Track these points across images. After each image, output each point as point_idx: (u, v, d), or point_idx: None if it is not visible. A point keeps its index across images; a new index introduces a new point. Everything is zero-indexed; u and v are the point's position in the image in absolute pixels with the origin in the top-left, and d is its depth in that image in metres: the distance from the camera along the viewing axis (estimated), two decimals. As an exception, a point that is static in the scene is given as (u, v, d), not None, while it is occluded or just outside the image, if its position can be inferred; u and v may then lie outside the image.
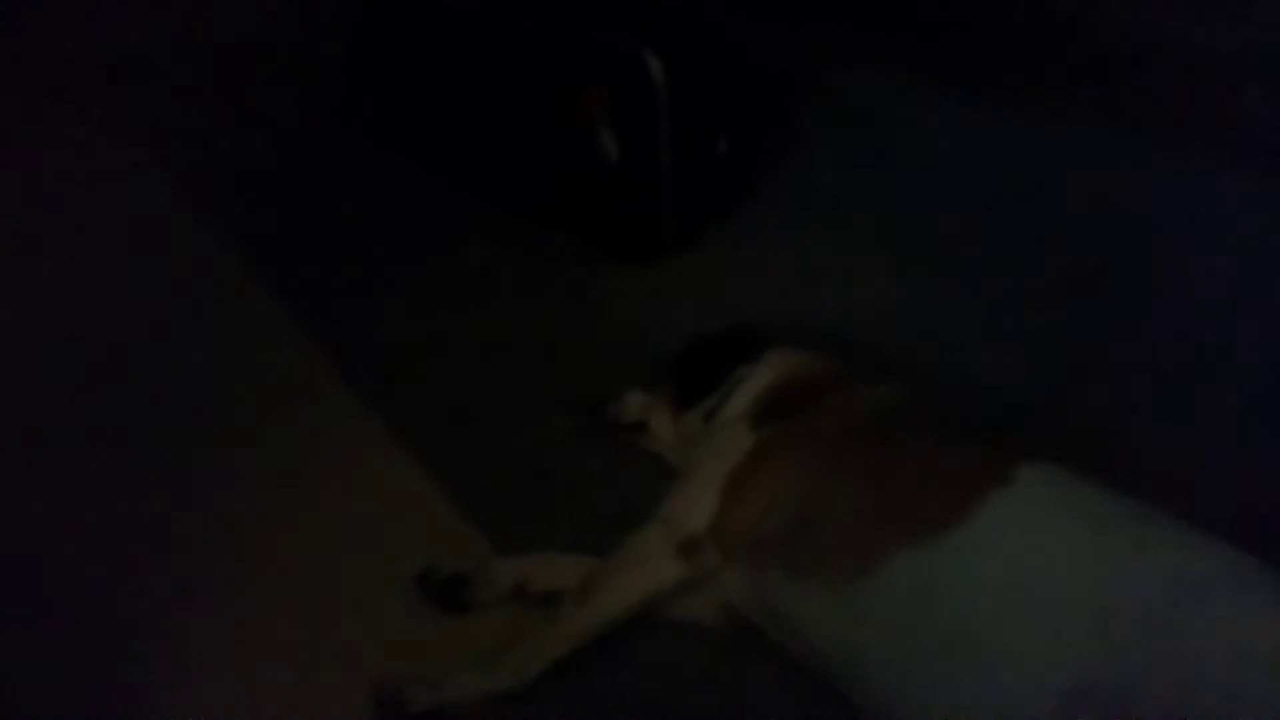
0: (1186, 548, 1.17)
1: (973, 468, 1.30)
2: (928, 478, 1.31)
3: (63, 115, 3.14)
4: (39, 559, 1.71)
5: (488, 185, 2.65)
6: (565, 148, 2.36)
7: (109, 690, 1.50)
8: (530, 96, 2.39)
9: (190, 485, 1.84)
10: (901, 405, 1.47)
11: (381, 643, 1.53)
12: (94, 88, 3.29)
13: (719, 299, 2.28)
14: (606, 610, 1.41)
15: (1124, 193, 2.51)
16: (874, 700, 1.26)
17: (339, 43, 3.03)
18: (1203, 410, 1.89)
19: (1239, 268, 2.25)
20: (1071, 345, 2.07)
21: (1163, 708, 1.03)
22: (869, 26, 3.29)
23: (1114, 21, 2.82)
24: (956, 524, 1.24)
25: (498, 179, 2.62)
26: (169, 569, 1.68)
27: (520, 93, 2.42)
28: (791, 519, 1.36)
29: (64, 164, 2.93)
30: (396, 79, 2.81)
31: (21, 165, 2.92)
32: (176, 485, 1.84)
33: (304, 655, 1.52)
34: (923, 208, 2.54)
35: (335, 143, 2.98)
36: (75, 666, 1.53)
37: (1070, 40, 2.98)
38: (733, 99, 2.44)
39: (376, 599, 1.60)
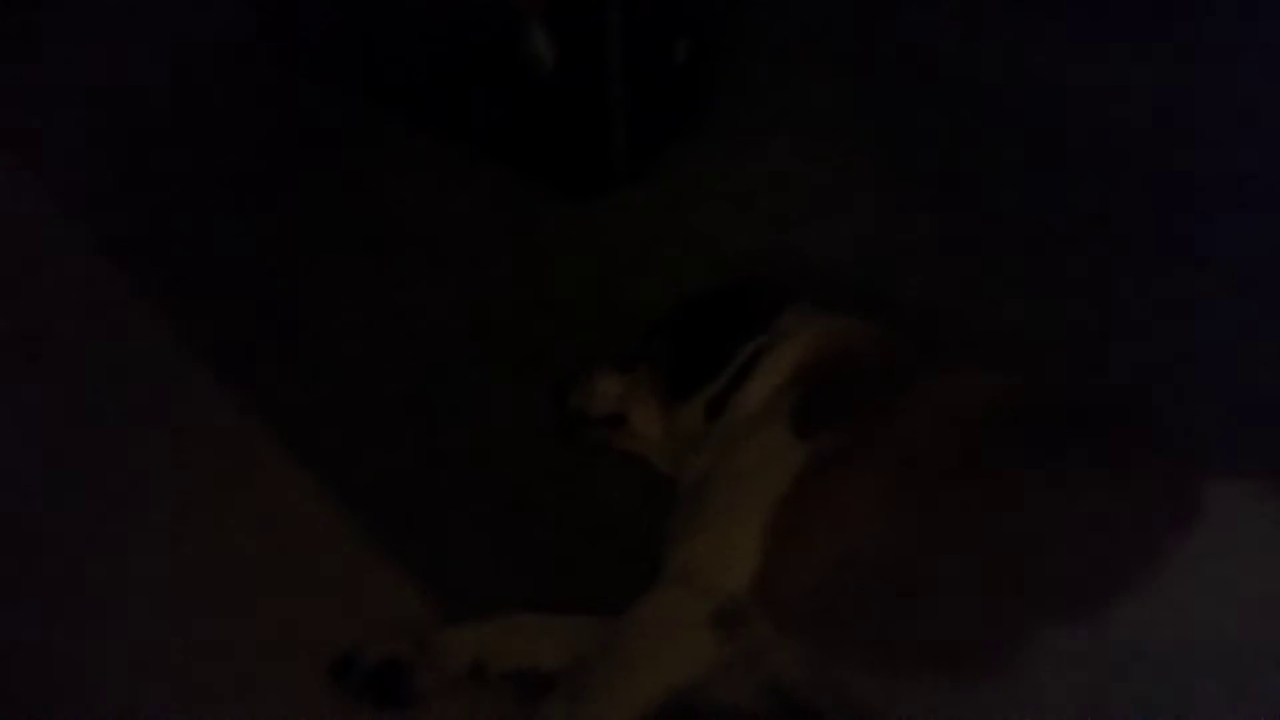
0: None
1: (1142, 499, 0.91)
2: (1079, 518, 0.91)
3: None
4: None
5: (402, 104, 2.17)
6: (490, 53, 1.87)
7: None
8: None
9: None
10: (1010, 401, 1.06)
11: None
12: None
13: (686, 238, 1.88)
14: (617, 716, 0.98)
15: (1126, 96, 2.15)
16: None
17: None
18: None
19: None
20: (1105, 288, 1.72)
21: None
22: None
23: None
24: (1136, 587, 0.84)
25: (415, 95, 2.14)
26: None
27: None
28: (877, 580, 0.95)
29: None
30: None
31: None
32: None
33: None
34: (913, 123, 2.14)
35: (232, 62, 2.39)
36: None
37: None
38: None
39: (282, 686, 1.16)
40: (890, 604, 0.95)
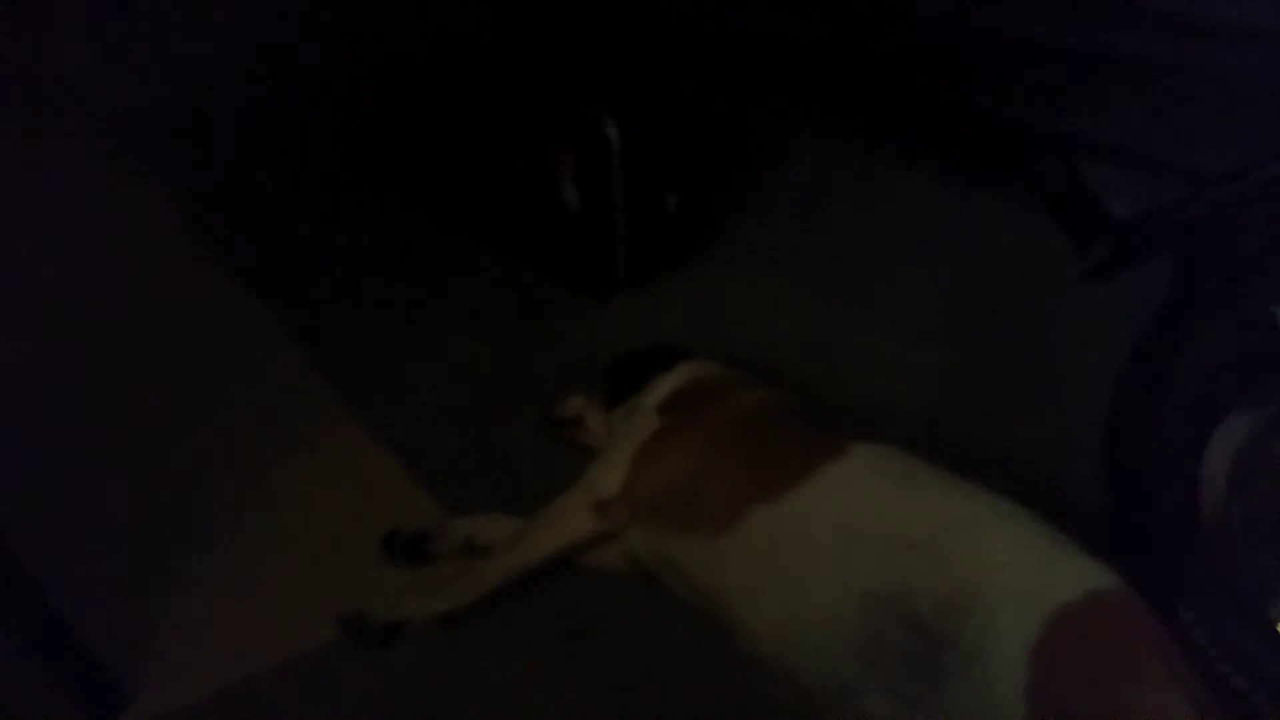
0: (964, 496, 1.55)
1: (816, 445, 1.69)
2: (782, 453, 1.70)
3: (78, 154, 3.56)
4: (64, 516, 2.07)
5: (472, 226, 3.06)
6: (535, 196, 2.77)
7: (121, 616, 1.86)
8: (508, 152, 2.80)
9: (191, 473, 2.21)
10: (778, 403, 1.86)
11: (352, 584, 1.89)
12: (114, 131, 3.71)
13: (661, 331, 2.62)
14: (533, 553, 1.79)
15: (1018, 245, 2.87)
16: (739, 624, 1.62)
17: (350, 99, 3.48)
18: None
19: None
20: (968, 377, 2.45)
21: (930, 607, 1.40)
22: (802, 100, 3.71)
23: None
24: (796, 485, 1.62)
25: (480, 221, 3.03)
26: (173, 535, 2.04)
27: (500, 149, 2.83)
28: (682, 487, 1.75)
29: (80, 198, 3.32)
30: (398, 133, 3.22)
31: (36, 201, 3.28)
32: (177, 472, 2.21)
33: (285, 596, 1.89)
34: (852, 262, 2.91)
35: (345, 189, 3.37)
36: (92, 602, 1.84)
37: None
38: (684, 163, 2.83)
39: (351, 553, 1.96)
40: (688, 501, 1.73)
